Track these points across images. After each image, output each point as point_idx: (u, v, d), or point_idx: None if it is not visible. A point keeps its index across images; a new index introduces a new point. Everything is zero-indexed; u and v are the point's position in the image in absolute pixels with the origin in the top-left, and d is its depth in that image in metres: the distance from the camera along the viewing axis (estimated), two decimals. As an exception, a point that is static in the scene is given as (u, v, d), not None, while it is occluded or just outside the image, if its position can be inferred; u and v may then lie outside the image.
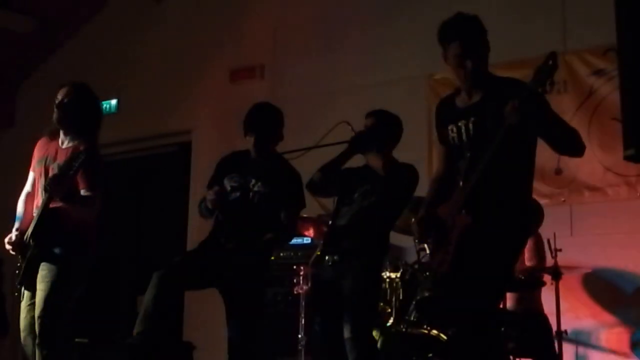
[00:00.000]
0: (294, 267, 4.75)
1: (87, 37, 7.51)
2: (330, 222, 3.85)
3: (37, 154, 3.87)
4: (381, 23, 5.87)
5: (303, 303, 4.57)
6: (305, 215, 4.76)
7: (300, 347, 4.54)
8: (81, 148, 3.58)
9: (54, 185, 3.51)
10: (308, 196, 4.60)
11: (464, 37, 3.01)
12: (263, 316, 3.82)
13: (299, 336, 4.53)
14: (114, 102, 7.12)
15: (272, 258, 4.93)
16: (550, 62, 2.75)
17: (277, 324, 4.87)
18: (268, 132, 3.85)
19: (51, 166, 3.73)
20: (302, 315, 4.55)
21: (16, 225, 3.80)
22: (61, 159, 3.69)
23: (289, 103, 5.95)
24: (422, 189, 4.77)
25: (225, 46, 6.62)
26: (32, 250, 3.62)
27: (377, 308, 3.94)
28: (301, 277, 4.65)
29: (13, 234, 3.75)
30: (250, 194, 3.77)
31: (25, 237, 3.68)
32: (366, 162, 3.83)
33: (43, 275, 3.60)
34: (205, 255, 3.73)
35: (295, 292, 4.67)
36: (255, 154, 3.87)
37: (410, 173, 3.76)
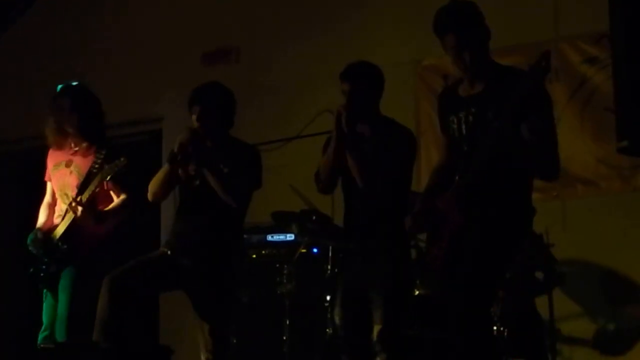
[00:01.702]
0: (277, 265, 4.72)
1: (43, 12, 6.95)
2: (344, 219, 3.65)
3: (50, 163, 4.20)
4: (367, 5, 5.75)
5: (287, 303, 4.54)
6: (287, 211, 4.74)
7: (285, 350, 4.50)
8: (103, 151, 3.95)
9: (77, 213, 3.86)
10: (290, 192, 4.57)
11: (458, 29, 3.00)
12: (232, 317, 3.81)
13: (284, 338, 4.49)
14: (74, 84, 6.87)
15: (254, 256, 4.93)
16: (544, 64, 2.77)
17: (260, 326, 4.83)
18: (217, 108, 3.71)
19: (69, 169, 4.08)
20: (287, 316, 4.52)
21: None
22: (80, 162, 4.05)
23: (268, 89, 5.89)
24: (415, 184, 4.78)
25: (197, 26, 6.34)
26: (62, 253, 3.92)
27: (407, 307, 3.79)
28: (284, 276, 4.62)
29: (37, 233, 4.03)
30: None
31: (54, 239, 3.98)
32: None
33: (64, 285, 3.91)
34: (165, 257, 3.66)
35: (278, 292, 4.62)
36: (204, 137, 3.71)
37: (409, 135, 3.60)
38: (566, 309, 4.69)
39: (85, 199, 3.86)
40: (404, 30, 5.45)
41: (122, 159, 3.82)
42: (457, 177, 2.97)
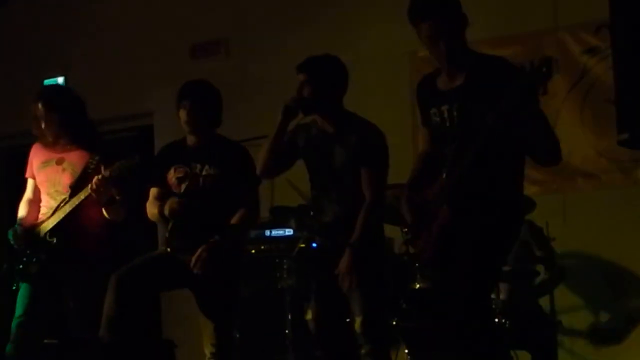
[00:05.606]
0: (277, 260, 4.74)
1: (30, 5, 6.89)
2: (312, 213, 3.74)
3: (35, 159, 4.13)
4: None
5: (288, 298, 4.57)
6: (285, 206, 4.77)
7: (287, 344, 4.54)
8: (96, 157, 3.90)
9: (100, 190, 3.79)
10: (287, 186, 4.59)
11: (432, 17, 2.99)
12: (236, 312, 3.85)
13: (286, 332, 4.52)
14: (60, 80, 6.67)
15: (253, 251, 4.96)
16: (544, 70, 2.76)
17: (262, 321, 4.86)
18: (206, 104, 3.76)
19: (62, 167, 4.01)
20: (288, 310, 4.55)
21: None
22: (74, 160, 3.99)
23: (258, 82, 5.83)
24: (405, 177, 4.78)
25: (186, 18, 6.26)
26: (51, 247, 3.92)
27: (386, 296, 3.86)
28: (284, 271, 4.64)
29: (17, 229, 4.03)
30: (200, 179, 3.71)
31: (40, 233, 3.97)
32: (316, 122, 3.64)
33: (71, 282, 3.93)
34: (170, 256, 3.71)
35: (279, 287, 4.66)
36: (193, 137, 3.79)
37: (377, 132, 3.57)
38: (567, 301, 4.74)
39: (101, 180, 3.81)
40: (398, 21, 5.39)
41: (136, 156, 3.77)
42: (444, 174, 2.97)
